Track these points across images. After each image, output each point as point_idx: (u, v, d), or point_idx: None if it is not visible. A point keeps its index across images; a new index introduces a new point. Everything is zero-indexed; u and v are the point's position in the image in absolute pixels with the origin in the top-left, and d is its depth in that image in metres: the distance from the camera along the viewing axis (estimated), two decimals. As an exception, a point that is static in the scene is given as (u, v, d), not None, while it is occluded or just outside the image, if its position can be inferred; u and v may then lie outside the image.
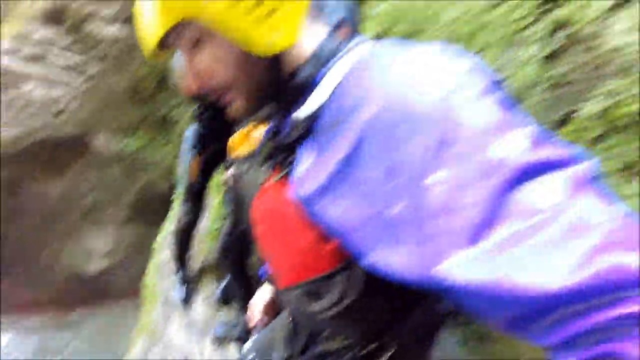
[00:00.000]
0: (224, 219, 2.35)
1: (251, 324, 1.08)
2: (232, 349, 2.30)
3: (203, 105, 2.18)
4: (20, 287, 5.76)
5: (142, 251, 4.67)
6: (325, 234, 0.59)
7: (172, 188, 4.77)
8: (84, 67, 5.49)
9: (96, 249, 5.76)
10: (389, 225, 0.50)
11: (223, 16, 0.55)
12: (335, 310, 0.65)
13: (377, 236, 0.52)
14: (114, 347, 4.82)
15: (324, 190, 0.56)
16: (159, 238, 3.77)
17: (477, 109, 0.46)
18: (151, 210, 5.43)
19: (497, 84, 0.49)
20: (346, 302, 0.63)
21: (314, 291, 0.66)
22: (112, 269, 5.68)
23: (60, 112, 5.56)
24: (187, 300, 2.71)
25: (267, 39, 0.57)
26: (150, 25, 0.58)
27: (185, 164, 2.37)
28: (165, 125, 5.93)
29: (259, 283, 1.12)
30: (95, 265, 5.79)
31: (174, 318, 2.71)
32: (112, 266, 5.67)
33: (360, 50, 0.59)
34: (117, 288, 5.65)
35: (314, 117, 0.59)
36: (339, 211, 0.55)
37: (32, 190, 5.86)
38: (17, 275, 5.80)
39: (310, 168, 0.58)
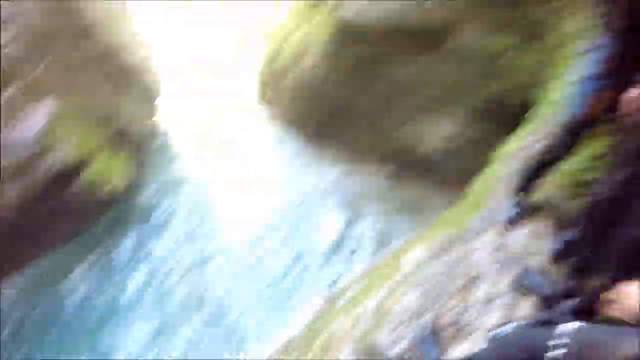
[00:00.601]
0: (601, 172, 2.07)
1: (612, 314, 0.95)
2: (526, 302, 2.19)
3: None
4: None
5: (473, 155, 4.80)
6: None
7: (524, 102, 4.53)
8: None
9: (430, 136, 6.23)
10: None
11: None
12: None
13: None
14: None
15: None
16: (501, 150, 3.75)
17: None
18: (494, 119, 5.38)
19: None
20: None
21: None
22: (440, 160, 6.11)
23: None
24: (511, 223, 2.66)
25: None
26: None
27: (578, 91, 2.09)
28: (535, 30, 5.44)
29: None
30: (425, 150, 6.32)
31: (485, 236, 2.74)
32: (440, 157, 6.09)
33: None
34: (438, 177, 6.13)
35: None
36: None
37: (386, 70, 6.57)
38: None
39: None
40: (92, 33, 7.45)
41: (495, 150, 3.91)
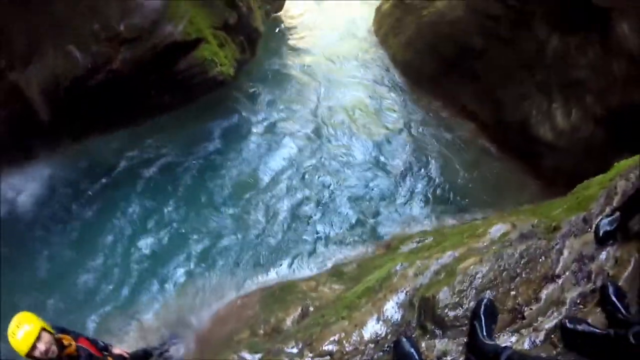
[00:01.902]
0: None
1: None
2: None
3: None
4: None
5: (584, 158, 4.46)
6: None
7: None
8: None
9: (544, 124, 5.79)
10: None
11: None
12: None
13: None
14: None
15: None
16: (623, 162, 3.47)
17: None
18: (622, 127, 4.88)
19: None
20: None
21: None
22: (545, 151, 5.75)
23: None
24: (601, 239, 2.58)
25: None
26: None
27: None
28: None
29: None
30: (533, 136, 5.90)
31: (576, 240, 2.64)
32: (546, 149, 5.72)
33: None
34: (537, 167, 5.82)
35: None
36: None
37: (530, 32, 5.95)
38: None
39: None
40: None
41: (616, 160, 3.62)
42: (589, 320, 2.20)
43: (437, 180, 6.27)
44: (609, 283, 2.33)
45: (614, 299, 2.24)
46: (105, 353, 3.09)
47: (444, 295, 2.26)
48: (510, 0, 6.02)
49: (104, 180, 6.14)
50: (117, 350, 3.24)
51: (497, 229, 2.81)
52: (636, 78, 4.92)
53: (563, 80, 5.61)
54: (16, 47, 5.81)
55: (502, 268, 2.33)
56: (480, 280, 2.28)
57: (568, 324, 2.17)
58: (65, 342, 2.65)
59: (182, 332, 3.95)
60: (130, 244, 5.30)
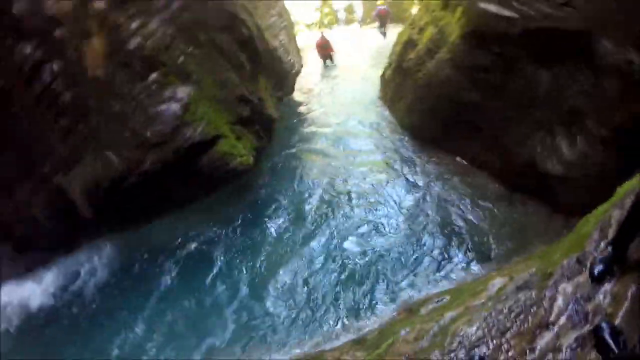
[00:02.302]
0: None
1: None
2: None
3: None
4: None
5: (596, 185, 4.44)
6: None
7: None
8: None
9: (551, 158, 5.79)
10: None
11: None
12: None
13: None
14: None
15: None
16: (622, 187, 3.48)
17: None
18: (628, 149, 4.85)
19: None
20: None
21: None
22: (557, 185, 5.72)
23: (567, 3, 5.33)
24: (596, 278, 2.59)
25: None
26: None
27: None
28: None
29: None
30: (543, 171, 5.90)
31: (571, 282, 2.67)
32: (557, 182, 5.70)
33: None
34: (549, 201, 5.79)
35: None
36: None
37: (519, 74, 6.15)
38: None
39: None
40: (235, 24, 8.24)
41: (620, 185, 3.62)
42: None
43: (458, 233, 6.30)
44: (602, 324, 2.34)
45: (607, 339, 2.24)
46: None
47: (435, 357, 2.34)
48: (495, 49, 6.30)
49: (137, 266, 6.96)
50: None
51: (494, 284, 2.89)
52: (630, 91, 4.91)
53: (561, 112, 5.69)
54: (58, 154, 6.73)
55: (491, 325, 2.41)
56: (469, 339, 2.35)
57: None
58: None
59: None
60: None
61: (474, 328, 2.36)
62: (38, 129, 6.59)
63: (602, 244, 2.88)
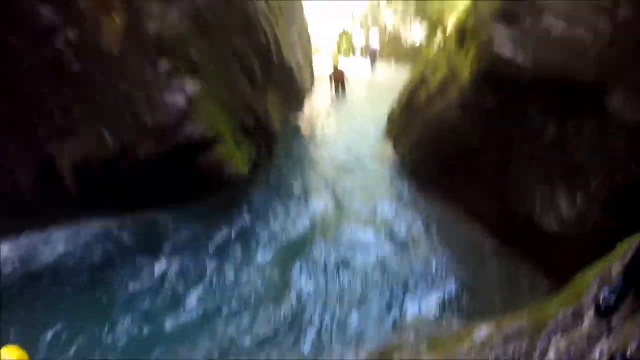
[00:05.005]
0: None
1: None
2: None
3: None
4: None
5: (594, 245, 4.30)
6: None
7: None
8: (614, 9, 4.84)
9: (548, 214, 5.65)
10: None
11: None
12: None
13: None
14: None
15: None
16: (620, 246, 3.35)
17: None
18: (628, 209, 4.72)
19: None
20: None
21: None
22: (553, 243, 5.57)
23: (581, 53, 5.21)
24: (605, 311, 2.45)
25: None
26: None
27: None
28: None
29: None
30: (539, 227, 5.72)
31: (564, 337, 2.49)
32: (554, 241, 5.54)
33: None
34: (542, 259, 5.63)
35: None
36: None
37: (526, 122, 5.98)
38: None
39: None
40: (254, 31, 8.26)
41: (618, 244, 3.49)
42: None
43: (444, 285, 6.05)
44: None
45: None
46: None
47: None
48: (504, 94, 6.18)
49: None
50: None
51: (480, 333, 2.71)
52: (635, 150, 4.74)
53: (563, 167, 5.53)
54: (55, 121, 6.58)
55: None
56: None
57: None
58: None
59: None
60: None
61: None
62: (41, 92, 6.45)
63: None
